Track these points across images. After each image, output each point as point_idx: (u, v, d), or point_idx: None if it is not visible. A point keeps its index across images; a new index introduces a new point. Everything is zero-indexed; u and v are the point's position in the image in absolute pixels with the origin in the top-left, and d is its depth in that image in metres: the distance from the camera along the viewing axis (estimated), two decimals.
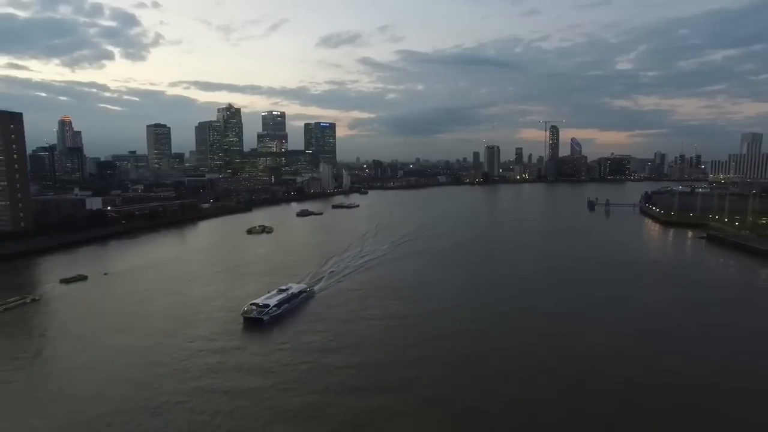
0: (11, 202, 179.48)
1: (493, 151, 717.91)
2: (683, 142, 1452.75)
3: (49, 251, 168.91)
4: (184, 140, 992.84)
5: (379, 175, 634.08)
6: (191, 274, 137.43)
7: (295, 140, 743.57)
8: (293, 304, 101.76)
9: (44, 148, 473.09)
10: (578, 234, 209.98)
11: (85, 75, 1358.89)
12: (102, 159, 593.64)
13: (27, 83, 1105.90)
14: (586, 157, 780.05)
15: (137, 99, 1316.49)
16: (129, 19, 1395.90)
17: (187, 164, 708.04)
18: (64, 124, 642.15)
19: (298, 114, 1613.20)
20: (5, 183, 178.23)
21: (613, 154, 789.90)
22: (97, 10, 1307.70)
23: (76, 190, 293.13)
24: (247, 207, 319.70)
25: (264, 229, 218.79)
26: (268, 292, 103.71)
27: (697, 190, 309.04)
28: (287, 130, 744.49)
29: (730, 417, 59.51)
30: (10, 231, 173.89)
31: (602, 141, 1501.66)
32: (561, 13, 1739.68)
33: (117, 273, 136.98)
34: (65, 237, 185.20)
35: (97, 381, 69.93)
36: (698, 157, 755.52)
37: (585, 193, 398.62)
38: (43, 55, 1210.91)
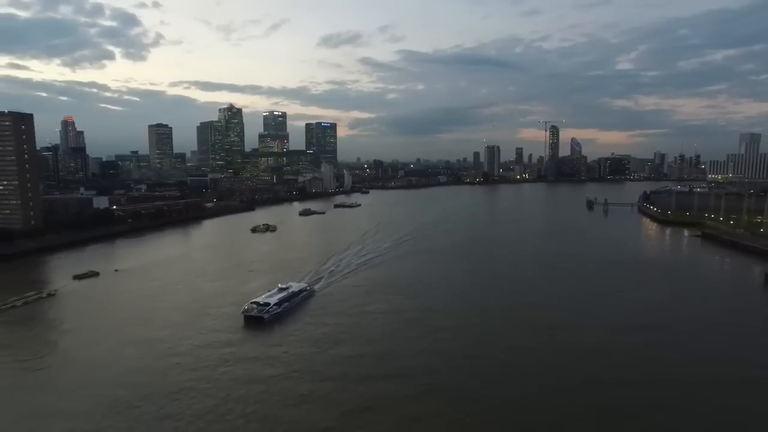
0: (22, 201, 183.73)
1: (493, 151, 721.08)
2: (683, 142, 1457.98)
3: (58, 249, 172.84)
4: (184, 140, 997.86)
5: (380, 175, 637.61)
6: (199, 271, 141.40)
7: (296, 140, 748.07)
8: (294, 303, 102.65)
9: (47, 148, 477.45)
10: (576, 233, 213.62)
11: (85, 75, 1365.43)
12: (103, 159, 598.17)
13: (28, 83, 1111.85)
14: (585, 157, 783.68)
15: (138, 99, 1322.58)
16: (129, 19, 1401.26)
17: (188, 164, 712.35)
18: (67, 124, 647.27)
19: (298, 114, 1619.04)
20: (16, 183, 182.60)
21: (613, 154, 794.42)
22: (98, 10, 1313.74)
23: (82, 190, 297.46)
24: (250, 206, 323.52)
25: (268, 228, 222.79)
26: (269, 291, 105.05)
27: (695, 190, 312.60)
28: (288, 130, 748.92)
29: (711, 402, 63.57)
30: (21, 229, 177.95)
31: (603, 141, 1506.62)
32: (561, 13, 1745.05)
33: (127, 270, 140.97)
34: (74, 235, 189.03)
35: (116, 369, 74.02)
36: (698, 157, 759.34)
37: (585, 192, 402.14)
38: (44, 55, 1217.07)
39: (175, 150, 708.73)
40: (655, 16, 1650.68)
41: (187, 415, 60.47)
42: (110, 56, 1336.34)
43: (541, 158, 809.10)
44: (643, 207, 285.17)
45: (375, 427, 58.26)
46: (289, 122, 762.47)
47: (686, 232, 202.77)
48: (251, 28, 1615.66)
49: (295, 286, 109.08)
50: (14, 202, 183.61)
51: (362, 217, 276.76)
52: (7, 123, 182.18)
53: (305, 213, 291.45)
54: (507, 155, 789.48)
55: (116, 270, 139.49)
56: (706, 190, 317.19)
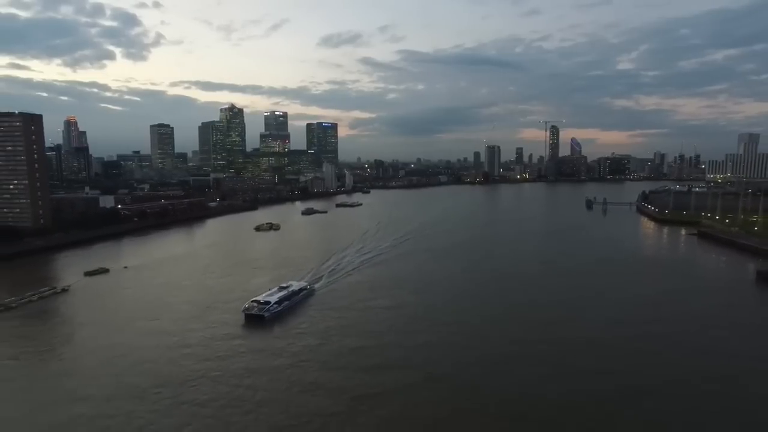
0: (32, 200, 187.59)
1: (493, 150, 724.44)
2: (683, 142, 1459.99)
3: (66, 247, 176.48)
4: (185, 140, 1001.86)
5: (381, 175, 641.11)
6: (206, 268, 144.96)
7: (296, 140, 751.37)
8: (294, 302, 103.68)
9: (50, 148, 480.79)
10: (575, 232, 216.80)
11: (86, 75, 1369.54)
12: (104, 158, 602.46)
13: (28, 83, 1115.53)
14: (585, 157, 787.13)
15: (138, 99, 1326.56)
16: (130, 19, 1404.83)
17: (190, 164, 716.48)
18: (70, 125, 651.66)
19: (298, 114, 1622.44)
20: (26, 182, 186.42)
21: (613, 154, 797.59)
22: (98, 10, 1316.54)
23: (87, 189, 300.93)
24: (252, 205, 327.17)
25: (271, 227, 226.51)
26: (269, 290, 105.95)
27: (693, 190, 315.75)
28: (288, 130, 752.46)
29: (700, 389, 67.23)
30: (31, 227, 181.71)
31: (603, 141, 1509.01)
32: (562, 13, 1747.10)
33: (136, 267, 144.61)
34: (81, 234, 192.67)
35: (132, 358, 77.65)
36: (697, 157, 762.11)
37: (584, 192, 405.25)
38: (45, 55, 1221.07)
39: (176, 150, 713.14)
40: (656, 16, 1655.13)
41: (203, 401, 64.02)
42: (111, 56, 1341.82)
43: (541, 158, 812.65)
44: (642, 206, 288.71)
45: (381, 412, 61.68)
46: (289, 122, 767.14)
47: (683, 231, 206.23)
48: (252, 28, 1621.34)
49: (295, 285, 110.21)
50: (24, 201, 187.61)
51: (364, 216, 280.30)
52: (18, 124, 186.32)
53: (308, 212, 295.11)
54: (507, 155, 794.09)
55: (125, 267, 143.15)
56: (705, 189, 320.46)
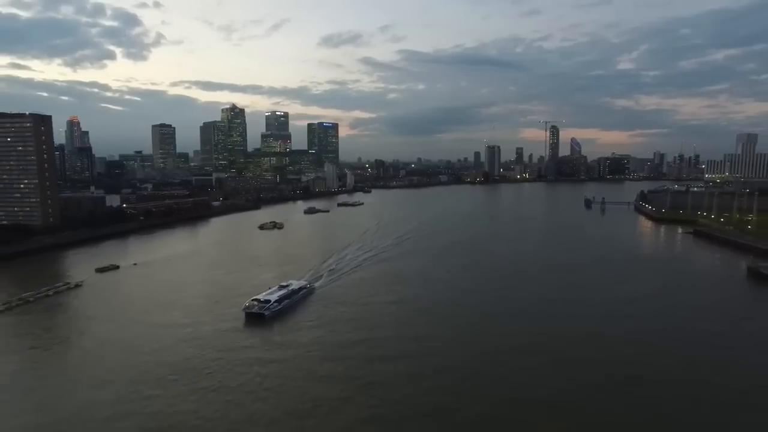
0: (41, 199, 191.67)
1: (493, 150, 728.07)
2: (683, 142, 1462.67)
3: (74, 245, 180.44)
4: (185, 140, 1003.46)
5: (382, 175, 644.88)
6: (213, 265, 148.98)
7: (296, 140, 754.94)
8: (294, 300, 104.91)
9: (54, 148, 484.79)
10: (573, 230, 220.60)
11: (86, 75, 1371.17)
12: (105, 158, 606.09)
13: (29, 83, 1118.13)
14: (585, 157, 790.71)
15: (139, 99, 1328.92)
16: (130, 19, 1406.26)
17: (192, 164, 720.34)
18: (73, 125, 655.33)
19: (299, 114, 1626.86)
20: (36, 181, 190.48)
21: (613, 153, 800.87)
22: (99, 10, 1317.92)
23: (92, 188, 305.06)
24: (255, 205, 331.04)
25: (275, 225, 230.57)
26: (269, 288, 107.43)
27: (692, 189, 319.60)
28: (289, 130, 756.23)
29: (683, 376, 71.18)
30: (40, 226, 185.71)
31: (604, 141, 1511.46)
32: (562, 13, 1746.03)
33: (144, 263, 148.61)
34: (88, 232, 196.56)
35: (147, 348, 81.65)
36: (697, 156, 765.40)
37: (584, 192, 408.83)
38: (45, 55, 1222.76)
39: (177, 150, 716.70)
40: (656, 16, 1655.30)
41: (217, 387, 67.87)
42: (111, 56, 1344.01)
43: (541, 158, 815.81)
44: (639, 206, 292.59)
45: (390, 396, 65.46)
46: (290, 122, 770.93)
47: (680, 230, 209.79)
48: (252, 28, 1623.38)
49: (295, 284, 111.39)
50: (34, 200, 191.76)
51: (365, 215, 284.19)
52: (28, 124, 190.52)
53: (310, 211, 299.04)
54: (507, 155, 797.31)
55: (135, 264, 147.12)
56: (703, 189, 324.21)
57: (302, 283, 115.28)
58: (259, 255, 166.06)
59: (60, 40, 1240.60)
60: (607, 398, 64.73)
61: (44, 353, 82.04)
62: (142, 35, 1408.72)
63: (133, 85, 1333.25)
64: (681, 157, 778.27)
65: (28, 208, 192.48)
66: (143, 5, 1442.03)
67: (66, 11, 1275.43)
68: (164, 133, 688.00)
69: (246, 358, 77.96)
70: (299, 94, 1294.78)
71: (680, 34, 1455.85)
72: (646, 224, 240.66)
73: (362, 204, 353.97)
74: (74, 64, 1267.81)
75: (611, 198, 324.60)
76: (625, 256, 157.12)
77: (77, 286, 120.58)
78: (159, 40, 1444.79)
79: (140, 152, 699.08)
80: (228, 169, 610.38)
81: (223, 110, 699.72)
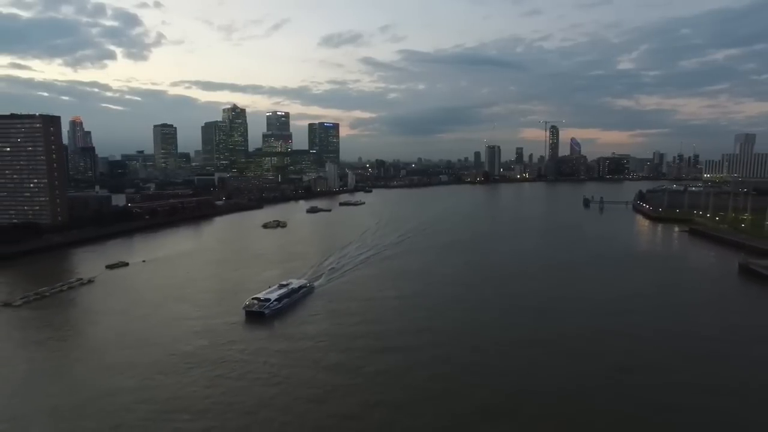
0: (50, 198, 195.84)
1: (494, 150, 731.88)
2: (682, 141, 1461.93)
3: (82, 243, 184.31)
4: (186, 140, 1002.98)
5: (382, 175, 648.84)
6: (220, 261, 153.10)
7: (297, 140, 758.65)
8: (293, 299, 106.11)
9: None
10: (572, 229, 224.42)
11: (87, 75, 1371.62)
12: (107, 158, 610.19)
13: (29, 83, 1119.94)
14: (585, 157, 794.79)
15: (139, 99, 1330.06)
16: (131, 19, 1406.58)
17: (193, 164, 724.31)
18: (75, 125, 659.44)
19: (299, 114, 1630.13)
20: (45, 181, 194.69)
21: (614, 153, 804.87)
22: (100, 10, 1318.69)
23: (97, 188, 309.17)
24: (258, 204, 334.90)
25: (278, 224, 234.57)
26: (269, 287, 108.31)
27: (690, 189, 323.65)
28: (290, 130, 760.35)
29: (667, 363, 75.21)
30: (49, 224, 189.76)
31: (604, 141, 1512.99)
32: (562, 13, 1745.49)
33: (153, 260, 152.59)
34: (95, 230, 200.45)
35: (163, 340, 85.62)
36: (696, 156, 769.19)
37: (583, 192, 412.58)
38: (46, 55, 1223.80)
39: (178, 149, 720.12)
40: (657, 16, 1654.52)
41: (234, 376, 71.72)
42: (112, 56, 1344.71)
43: (541, 158, 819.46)
44: (638, 205, 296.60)
45: (400, 384, 69.31)
46: (290, 122, 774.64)
47: (676, 228, 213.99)
48: (252, 28, 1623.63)
49: (295, 283, 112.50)
50: (43, 199, 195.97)
51: (367, 214, 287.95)
52: (38, 125, 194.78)
53: (312, 210, 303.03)
54: (507, 155, 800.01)
55: (144, 261, 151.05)
56: (701, 189, 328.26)
57: (302, 282, 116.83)
58: (264, 252, 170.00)
59: (60, 40, 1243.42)
60: (603, 388, 68.21)
61: (64, 343, 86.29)
62: (143, 35, 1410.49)
63: (134, 85, 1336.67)
64: (680, 157, 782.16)
65: (37, 207, 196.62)
66: (144, 5, 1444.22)
67: (66, 11, 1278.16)
68: (166, 133, 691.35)
69: (256, 349, 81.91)
70: (299, 94, 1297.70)
71: (680, 34, 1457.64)
72: (643, 223, 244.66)
73: (364, 203, 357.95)
74: (75, 64, 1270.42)
75: (610, 198, 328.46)
76: (622, 254, 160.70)
77: (90, 281, 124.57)
78: (159, 40, 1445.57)
79: (142, 152, 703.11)
80: (229, 168, 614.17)
81: (224, 110, 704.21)
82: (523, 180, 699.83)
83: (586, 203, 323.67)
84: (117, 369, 74.12)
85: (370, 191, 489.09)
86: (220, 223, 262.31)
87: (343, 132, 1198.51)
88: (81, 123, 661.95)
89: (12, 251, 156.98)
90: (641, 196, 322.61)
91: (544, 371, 73.00)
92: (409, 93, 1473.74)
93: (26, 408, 63.52)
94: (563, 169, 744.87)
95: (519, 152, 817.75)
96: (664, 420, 59.29)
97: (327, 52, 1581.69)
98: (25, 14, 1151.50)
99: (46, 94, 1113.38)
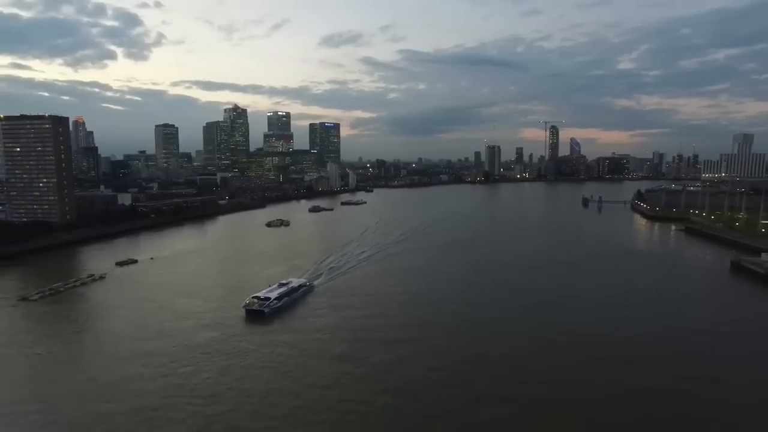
0: (59, 198, 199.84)
1: (494, 150, 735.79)
2: (682, 141, 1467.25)
3: (90, 241, 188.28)
4: (186, 140, 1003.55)
5: (383, 174, 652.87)
6: (226, 259, 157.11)
7: (297, 139, 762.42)
8: (293, 298, 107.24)
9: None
10: (571, 228, 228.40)
11: (87, 75, 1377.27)
12: (109, 158, 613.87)
13: (30, 83, 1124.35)
14: (585, 157, 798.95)
15: (139, 98, 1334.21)
16: (131, 19, 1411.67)
17: (195, 163, 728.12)
18: (78, 125, 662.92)
19: (299, 113, 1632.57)
20: (54, 180, 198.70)
21: (614, 153, 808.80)
22: (100, 10, 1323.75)
23: (102, 188, 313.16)
24: (260, 204, 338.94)
25: (282, 223, 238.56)
26: (269, 286, 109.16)
27: (688, 188, 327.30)
28: (291, 130, 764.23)
29: (656, 353, 79.06)
30: (58, 223, 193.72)
31: (604, 141, 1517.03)
32: (562, 13, 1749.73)
33: (161, 258, 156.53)
34: (102, 229, 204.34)
35: (177, 332, 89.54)
36: (695, 156, 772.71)
37: (582, 191, 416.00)
38: (46, 55, 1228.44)
39: (179, 149, 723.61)
40: (657, 16, 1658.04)
41: (245, 365, 75.72)
42: (112, 56, 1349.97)
43: (541, 158, 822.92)
44: (636, 204, 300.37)
45: (403, 373, 72.97)
46: (291, 122, 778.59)
47: (672, 227, 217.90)
48: (253, 28, 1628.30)
49: (295, 282, 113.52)
50: (52, 198, 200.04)
51: (368, 213, 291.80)
52: (47, 126, 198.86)
53: (314, 210, 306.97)
54: (507, 155, 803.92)
55: (152, 258, 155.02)
56: (699, 188, 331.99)
57: (302, 280, 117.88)
58: (268, 250, 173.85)
59: (61, 40, 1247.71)
60: (598, 376, 72.07)
61: (82, 335, 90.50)
62: (143, 35, 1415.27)
63: (134, 85, 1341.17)
64: (680, 156, 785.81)
65: (46, 206, 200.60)
66: (144, 5, 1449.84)
67: (67, 11, 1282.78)
68: (167, 133, 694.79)
69: (267, 341, 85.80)
70: (300, 93, 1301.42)
71: (681, 34, 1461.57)
72: (641, 222, 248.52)
73: (365, 203, 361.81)
74: (75, 64, 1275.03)
75: (609, 197, 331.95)
76: (619, 252, 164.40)
77: (101, 277, 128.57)
78: (160, 40, 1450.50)
79: (144, 152, 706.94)
80: (231, 168, 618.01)
81: (225, 110, 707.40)
82: (523, 180, 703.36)
83: (585, 203, 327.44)
84: (134, 358, 77.99)
85: (371, 191, 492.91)
86: (224, 222, 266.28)
87: (344, 132, 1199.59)
88: (83, 123, 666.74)
89: (24, 249, 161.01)
90: (639, 195, 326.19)
91: (542, 362, 76.68)
92: (409, 93, 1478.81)
93: (54, 392, 67.55)
94: (563, 169, 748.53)
95: (519, 152, 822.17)
96: (654, 405, 63.10)
97: (327, 52, 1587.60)
98: (25, 14, 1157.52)
99: (46, 94, 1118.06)
